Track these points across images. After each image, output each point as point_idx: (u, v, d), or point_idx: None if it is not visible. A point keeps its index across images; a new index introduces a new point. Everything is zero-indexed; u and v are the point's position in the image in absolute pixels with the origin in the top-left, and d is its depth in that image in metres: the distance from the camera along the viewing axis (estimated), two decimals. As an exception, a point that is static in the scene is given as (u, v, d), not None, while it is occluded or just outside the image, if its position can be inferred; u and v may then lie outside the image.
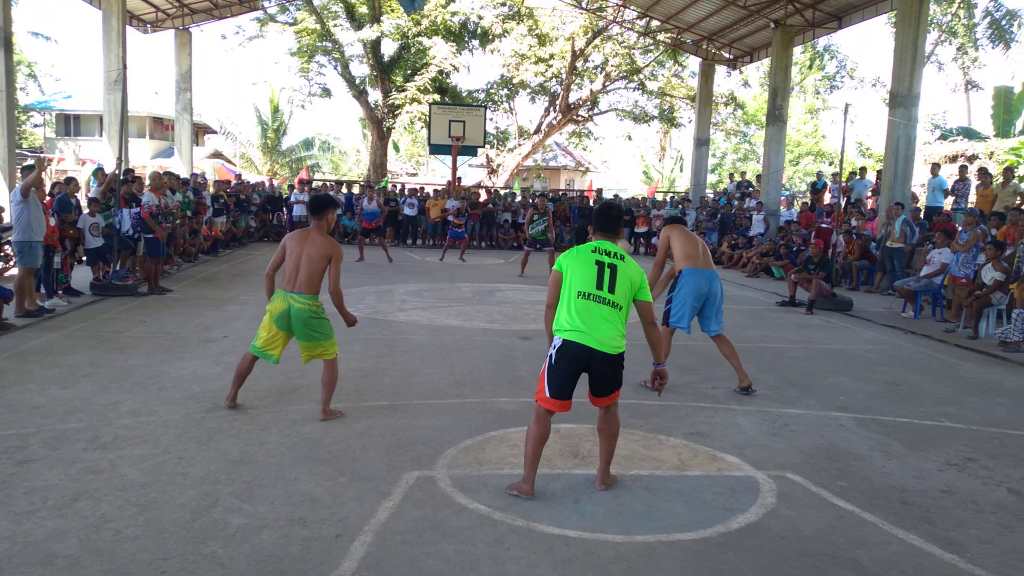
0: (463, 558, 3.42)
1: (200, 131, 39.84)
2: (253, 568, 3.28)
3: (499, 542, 3.58)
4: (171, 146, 28.89)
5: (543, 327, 9.25)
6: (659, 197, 27.59)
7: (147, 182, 12.67)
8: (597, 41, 28.94)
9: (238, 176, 25.96)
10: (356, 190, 23.91)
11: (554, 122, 31.85)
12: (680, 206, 22.24)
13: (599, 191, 26.11)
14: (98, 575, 3.19)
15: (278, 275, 5.55)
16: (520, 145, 32.96)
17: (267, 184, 24.46)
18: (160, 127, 37.74)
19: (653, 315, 4.22)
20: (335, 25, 28.87)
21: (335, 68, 30.14)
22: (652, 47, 28.83)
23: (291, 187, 23.16)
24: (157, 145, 37.15)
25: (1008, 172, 14.25)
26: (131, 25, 20.71)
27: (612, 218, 4.36)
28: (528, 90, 31.41)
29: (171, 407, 5.55)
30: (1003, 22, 30.78)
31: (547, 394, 4.06)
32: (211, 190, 19.03)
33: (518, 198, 24.17)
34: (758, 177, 22.57)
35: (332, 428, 5.16)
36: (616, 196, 24.53)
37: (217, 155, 38.52)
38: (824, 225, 16.47)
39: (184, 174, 19.83)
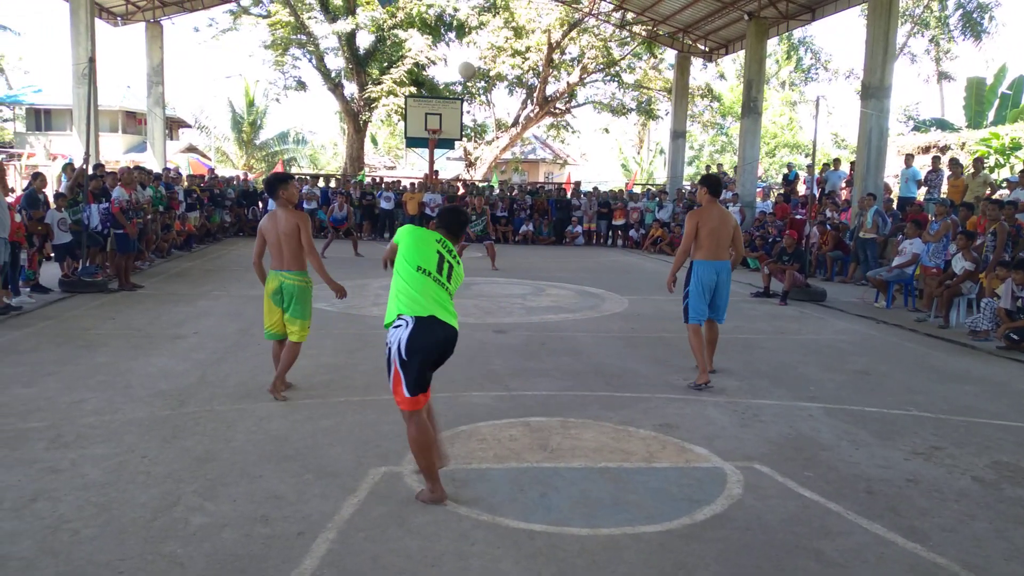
0: (426, 554, 3.40)
1: (174, 125, 39.38)
2: (213, 567, 3.24)
3: (464, 537, 3.56)
4: (144, 140, 28.53)
5: (517, 320, 9.22)
6: (637, 189, 27.65)
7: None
8: (573, 33, 28.96)
9: (212, 170, 25.70)
10: (333, 183, 23.76)
11: (532, 115, 31.83)
12: (657, 198, 22.31)
13: (577, 184, 26.13)
14: (53, 577, 3.13)
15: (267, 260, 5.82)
16: (498, 138, 32.91)
17: (242, 178, 24.22)
18: (132, 121, 37.25)
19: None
20: (309, 18, 28.63)
21: (310, 61, 29.93)
22: (628, 39, 28.85)
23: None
24: (130, 139, 36.68)
25: (978, 163, 14.40)
26: (100, 18, 20.39)
27: (461, 223, 4.17)
28: (505, 83, 31.35)
29: (136, 405, 5.47)
30: (975, 14, 31.10)
31: (407, 394, 3.79)
32: (184, 184, 18.80)
33: (496, 191, 24.11)
34: (735, 168, 22.67)
35: (300, 425, 5.12)
36: (595, 188, 24.48)
37: (191, 149, 38.09)
38: (798, 216, 16.58)
39: (157, 168, 19.58)
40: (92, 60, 13.53)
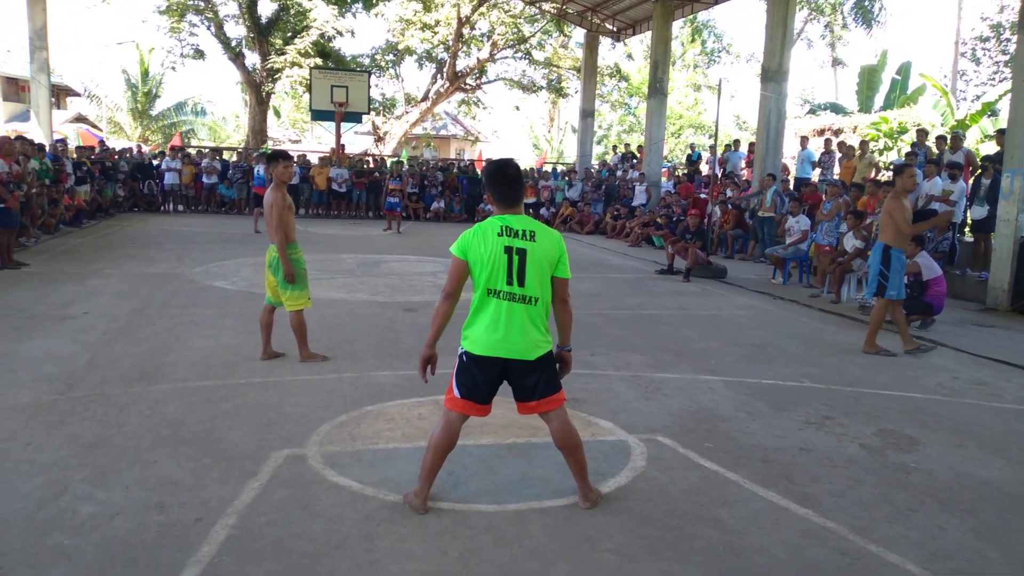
0: (331, 537, 3.33)
1: (62, 94, 37.09)
2: (103, 558, 3.08)
3: (369, 518, 3.51)
4: (27, 109, 26.72)
5: (428, 299, 9.16)
6: (547, 168, 27.78)
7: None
8: (483, 8, 28.69)
9: (102, 142, 24.37)
10: (234, 157, 22.95)
11: (442, 90, 31.47)
12: (567, 177, 22.46)
13: (489, 161, 26.06)
14: (-77, 576, 2.92)
15: None
16: (407, 112, 32.42)
17: (136, 151, 23.07)
18: (14, 88, 34.84)
19: (566, 293, 3.57)
20: (208, -17, 27.36)
21: (208, 29, 28.63)
22: (538, 17, 28.83)
23: (162, 154, 21.93)
24: (12, 108, 34.31)
25: (864, 145, 15.12)
26: (-25, -25, 18.90)
27: (511, 179, 3.50)
28: (415, 56, 30.86)
29: (19, 390, 5.15)
30: (867, 3, 32.47)
31: (456, 394, 3.55)
32: (73, 156, 17.75)
33: (405, 167, 23.78)
34: (640, 148, 23.07)
35: (198, 407, 4.93)
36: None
37: (81, 119, 35.96)
38: (701, 196, 17.03)
39: (42, 139, 18.41)
40: (-35, 20, 12.56)
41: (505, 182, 3.51)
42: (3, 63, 33.87)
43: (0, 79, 34.00)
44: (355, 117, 25.66)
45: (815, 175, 16.45)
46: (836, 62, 36.71)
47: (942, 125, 20.17)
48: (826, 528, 3.62)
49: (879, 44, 58.73)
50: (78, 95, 38.73)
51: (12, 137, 12.64)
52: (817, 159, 16.62)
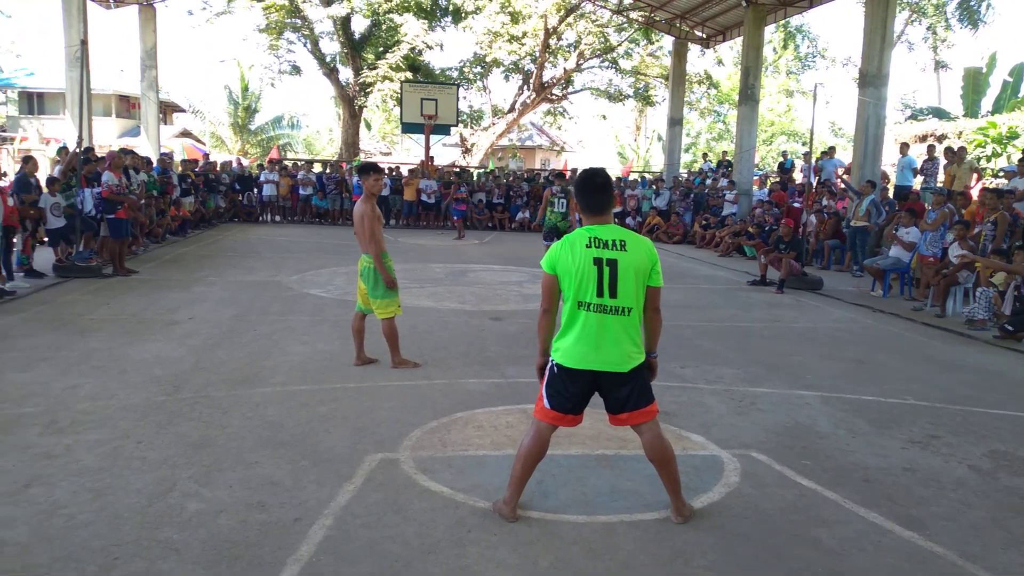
0: (423, 541, 3.38)
1: (168, 110, 39.13)
2: (208, 554, 3.22)
3: (460, 524, 3.55)
4: (137, 125, 28.34)
5: (514, 308, 9.21)
6: (633, 176, 27.56)
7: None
8: (570, 19, 28.77)
9: (206, 155, 25.54)
10: (328, 169, 23.69)
11: (528, 101, 31.67)
12: (654, 186, 22.21)
13: (574, 171, 26.03)
14: (48, 562, 3.11)
15: None
16: (494, 124, 32.75)
17: (236, 163, 24.08)
18: (126, 105, 36.98)
19: (659, 301, 3.54)
20: (304, 1, 28.37)
21: (305, 45, 29.69)
22: (625, 25, 28.70)
23: (261, 167, 22.82)
24: (123, 124, 36.42)
25: (962, 150, 14.40)
26: (93, 0, 20.16)
27: (599, 188, 3.49)
28: (502, 68, 31.18)
29: (131, 391, 5.44)
30: (972, 3, 30.98)
31: (546, 404, 3.55)
32: (178, 169, 18.66)
33: (490, 179, 24.00)
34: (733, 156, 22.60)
35: (295, 411, 5.09)
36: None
37: (186, 134, 37.86)
38: (796, 205, 16.54)
39: (151, 153, 19.44)
40: (84, 43, 13.37)
41: (595, 191, 3.50)
42: (117, 82, 35.96)
43: (113, 97, 36.13)
44: (444, 129, 26.09)
45: (917, 183, 15.76)
46: (939, 65, 35.12)
47: (1058, 129, 19.03)
48: (933, 553, 3.45)
49: (987, 45, 55.94)
50: (184, 111, 40.82)
51: (120, 151, 13.36)
52: (919, 166, 15.92)
